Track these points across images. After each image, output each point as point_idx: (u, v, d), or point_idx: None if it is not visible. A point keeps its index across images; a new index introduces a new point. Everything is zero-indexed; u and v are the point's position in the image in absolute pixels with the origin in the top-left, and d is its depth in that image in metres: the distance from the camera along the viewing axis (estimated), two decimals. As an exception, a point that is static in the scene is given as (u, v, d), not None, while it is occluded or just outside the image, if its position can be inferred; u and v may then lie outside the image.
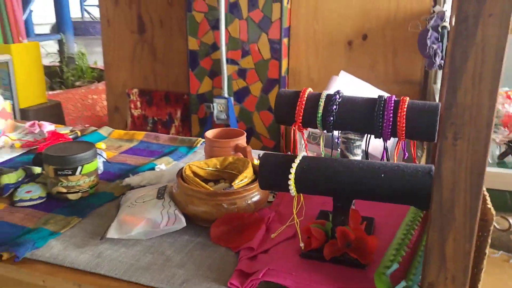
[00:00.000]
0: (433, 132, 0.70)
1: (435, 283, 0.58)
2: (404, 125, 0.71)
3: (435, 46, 0.98)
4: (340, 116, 0.75)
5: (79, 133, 1.46)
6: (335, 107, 0.74)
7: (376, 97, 0.75)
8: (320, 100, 0.75)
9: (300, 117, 0.76)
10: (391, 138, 0.76)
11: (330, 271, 0.71)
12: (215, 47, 2.42)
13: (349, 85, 1.00)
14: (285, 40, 2.32)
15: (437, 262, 0.57)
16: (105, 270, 0.78)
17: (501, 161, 1.30)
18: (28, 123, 1.51)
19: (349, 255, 0.72)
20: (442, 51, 0.97)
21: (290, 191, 0.72)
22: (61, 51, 6.24)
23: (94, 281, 0.76)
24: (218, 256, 0.82)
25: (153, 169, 1.18)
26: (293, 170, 0.71)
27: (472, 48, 0.49)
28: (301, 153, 0.72)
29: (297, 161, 0.71)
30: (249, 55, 2.36)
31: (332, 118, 0.74)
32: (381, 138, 0.74)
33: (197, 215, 0.90)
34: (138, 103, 2.82)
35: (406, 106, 0.72)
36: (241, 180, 0.93)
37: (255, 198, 0.92)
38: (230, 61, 2.42)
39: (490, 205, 0.60)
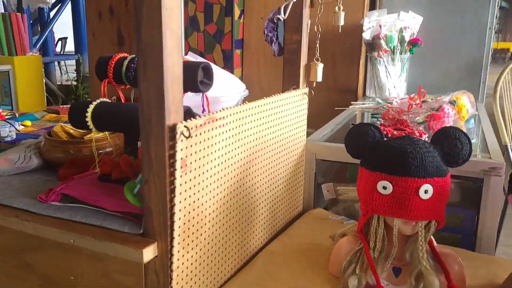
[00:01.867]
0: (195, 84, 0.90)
1: (148, 180, 0.76)
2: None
3: (270, 35, 1.18)
4: (139, 73, 0.95)
5: (16, 115, 1.71)
6: (133, 65, 0.95)
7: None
8: (125, 61, 0.96)
9: (111, 74, 0.97)
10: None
11: (110, 187, 0.90)
12: (178, 57, 2.66)
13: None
14: (237, 51, 2.54)
15: (147, 163, 0.76)
16: (-46, 189, 0.99)
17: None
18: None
19: (132, 179, 0.91)
20: (277, 39, 1.17)
21: (90, 128, 0.92)
22: (77, 71, 6.64)
23: None
24: (51, 185, 1.02)
25: (53, 137, 1.40)
26: (89, 110, 0.91)
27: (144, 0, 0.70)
28: (99, 99, 0.93)
29: (94, 103, 0.92)
30: (206, 64, 2.59)
31: (131, 74, 0.95)
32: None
33: (52, 160, 1.11)
34: (115, 109, 3.07)
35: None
36: (96, 135, 1.14)
37: (102, 150, 1.12)
38: (191, 70, 2.65)
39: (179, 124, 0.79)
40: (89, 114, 0.91)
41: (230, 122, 0.92)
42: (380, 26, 2.06)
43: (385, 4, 2.32)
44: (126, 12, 2.95)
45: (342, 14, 1.23)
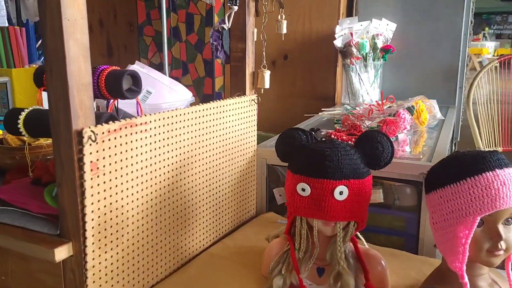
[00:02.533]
0: (121, 91, 0.94)
1: (61, 182, 0.80)
2: (103, 86, 0.95)
3: (215, 43, 1.21)
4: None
5: (-10, 124, 1.76)
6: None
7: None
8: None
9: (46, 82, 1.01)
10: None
11: (40, 191, 0.94)
12: (162, 66, 2.71)
13: (142, 71, 1.26)
14: (218, 60, 2.58)
15: (59, 166, 0.79)
16: None
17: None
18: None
19: (60, 182, 0.95)
20: (222, 47, 1.21)
21: (22, 134, 0.97)
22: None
23: None
24: (-6, 191, 1.06)
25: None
26: (21, 117, 0.95)
27: (46, 10, 0.73)
28: (33, 106, 0.97)
29: (26, 111, 0.96)
30: (188, 73, 2.64)
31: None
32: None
33: (0, 166, 1.16)
34: (105, 119, 3.13)
35: (107, 73, 0.96)
36: (43, 142, 1.18)
37: (51, 156, 1.16)
38: (175, 79, 2.69)
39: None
40: (21, 121, 0.95)
41: (156, 127, 0.95)
42: (351, 33, 2.08)
43: (361, 12, 2.35)
44: (115, 24, 3.02)
45: (284, 22, 1.26)
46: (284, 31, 1.27)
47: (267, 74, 1.29)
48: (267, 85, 1.31)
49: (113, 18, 3.01)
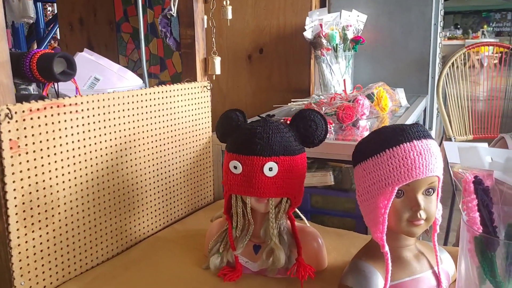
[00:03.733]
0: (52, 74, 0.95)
1: (-19, 161, 0.81)
2: (35, 69, 0.96)
3: (164, 30, 1.22)
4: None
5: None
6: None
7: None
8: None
9: None
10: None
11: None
12: (140, 63, 2.72)
13: (90, 58, 1.27)
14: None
15: (-22, 144, 0.80)
16: None
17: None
18: None
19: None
20: (171, 34, 1.21)
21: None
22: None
23: None
24: None
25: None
26: (-44, 101, 0.96)
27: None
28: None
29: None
30: (166, 69, 2.65)
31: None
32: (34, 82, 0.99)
33: None
34: (88, 117, 3.14)
35: (38, 56, 0.96)
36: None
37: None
38: (153, 75, 2.71)
39: None
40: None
41: (89, 109, 0.95)
42: (320, 25, 2.09)
43: (333, 4, 2.36)
44: (95, 22, 3.03)
45: (229, 8, 1.26)
46: (229, 16, 1.28)
47: (217, 60, 1.29)
48: (217, 71, 1.32)
49: (93, 16, 3.02)
